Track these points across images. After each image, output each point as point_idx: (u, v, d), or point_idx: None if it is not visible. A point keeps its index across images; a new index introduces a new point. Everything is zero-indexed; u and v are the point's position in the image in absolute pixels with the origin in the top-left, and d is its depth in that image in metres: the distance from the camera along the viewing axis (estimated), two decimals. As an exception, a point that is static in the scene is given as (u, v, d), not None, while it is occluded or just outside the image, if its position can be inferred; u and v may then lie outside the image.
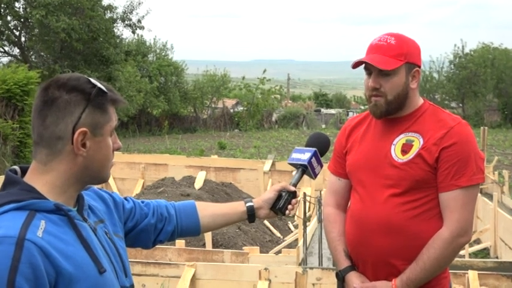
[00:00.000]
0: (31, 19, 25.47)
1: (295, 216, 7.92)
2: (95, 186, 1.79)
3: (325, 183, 10.25)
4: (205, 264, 5.10)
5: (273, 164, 11.83)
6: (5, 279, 1.37)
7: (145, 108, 32.50)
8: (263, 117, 37.62)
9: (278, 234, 9.00)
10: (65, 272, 1.44)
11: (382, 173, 2.36)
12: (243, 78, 38.45)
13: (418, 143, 2.33)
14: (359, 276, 2.44)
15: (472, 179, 2.29)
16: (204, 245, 7.01)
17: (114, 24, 28.08)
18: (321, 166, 2.25)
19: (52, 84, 1.54)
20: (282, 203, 2.10)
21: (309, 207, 9.20)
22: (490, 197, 9.31)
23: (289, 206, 2.11)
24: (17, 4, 26.61)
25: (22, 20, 26.88)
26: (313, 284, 4.75)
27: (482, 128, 12.52)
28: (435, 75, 38.53)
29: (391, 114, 2.38)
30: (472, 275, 4.54)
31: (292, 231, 9.30)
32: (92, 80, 1.56)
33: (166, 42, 37.52)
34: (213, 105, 37.94)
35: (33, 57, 27.78)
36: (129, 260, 1.79)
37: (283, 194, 2.11)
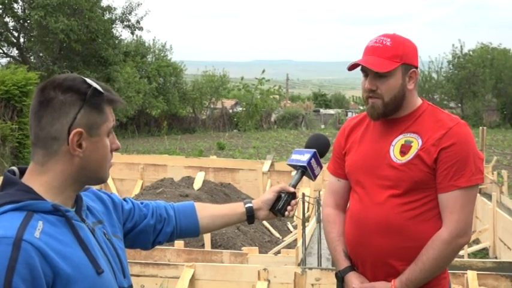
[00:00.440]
0: (30, 20, 25.46)
1: (294, 217, 7.92)
2: (94, 187, 1.78)
3: (324, 184, 10.26)
4: (204, 264, 5.10)
5: (272, 165, 11.84)
6: (2, 279, 1.37)
7: (144, 108, 32.51)
8: (262, 117, 37.63)
9: (277, 235, 8.99)
10: (63, 272, 1.44)
11: (380, 174, 2.36)
12: (242, 78, 38.47)
13: (416, 143, 2.33)
14: (358, 277, 2.44)
15: (471, 180, 2.29)
16: (203, 246, 7.01)
17: (113, 25, 28.09)
18: (321, 167, 2.25)
19: (48, 85, 1.54)
20: (281, 204, 2.10)
21: (308, 208, 9.20)
22: (489, 197, 9.32)
23: (289, 207, 2.11)
24: (15, 5, 26.62)
25: (21, 21, 26.88)
26: (312, 285, 4.75)
27: (481, 128, 12.54)
28: (434, 75, 38.56)
29: (388, 115, 2.38)
30: (471, 275, 4.54)
31: (291, 232, 9.30)
32: (88, 80, 1.56)
33: (165, 43, 37.60)
34: (212, 106, 37.96)
35: (32, 58, 27.79)
36: (128, 260, 1.79)
37: (283, 195, 2.11)
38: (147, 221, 1.93)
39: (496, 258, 7.83)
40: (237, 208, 2.09)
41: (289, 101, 49.79)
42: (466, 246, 6.76)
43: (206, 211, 2.06)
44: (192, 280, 4.83)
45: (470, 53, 38.65)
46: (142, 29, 29.17)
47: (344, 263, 2.48)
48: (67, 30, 24.42)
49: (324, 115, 44.31)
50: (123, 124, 29.64)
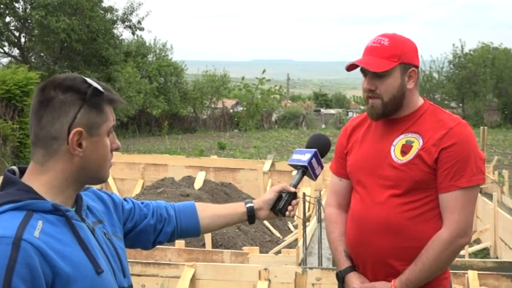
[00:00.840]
0: (31, 20, 25.47)
1: (295, 217, 7.91)
2: (94, 187, 1.78)
3: (324, 183, 10.26)
4: (205, 264, 5.10)
5: (272, 164, 11.83)
6: (2, 279, 1.36)
7: (145, 108, 32.51)
8: (263, 117, 37.62)
9: (278, 235, 8.99)
10: (62, 272, 1.44)
11: (381, 174, 2.36)
12: (243, 78, 38.46)
13: (417, 143, 2.33)
14: (359, 277, 2.44)
15: (472, 180, 2.28)
16: (203, 246, 7.01)
17: (114, 25, 28.09)
18: (322, 167, 2.25)
19: (48, 85, 1.54)
20: (282, 204, 2.10)
21: (309, 208, 9.20)
22: (489, 196, 9.31)
23: (289, 207, 2.11)
24: (16, 4, 26.62)
25: (22, 20, 26.88)
26: (313, 284, 4.74)
27: (482, 127, 12.52)
28: (435, 75, 38.53)
29: (388, 115, 2.38)
30: (472, 275, 4.54)
31: (291, 232, 9.30)
32: (88, 80, 1.56)
33: (166, 43, 37.58)
34: (212, 106, 37.95)
35: (33, 58, 27.81)
36: (129, 260, 1.79)
37: (283, 195, 2.11)
38: (148, 221, 1.93)
39: (496, 258, 7.82)
40: (237, 208, 2.09)
41: (289, 101, 49.76)
42: (466, 246, 6.76)
43: (207, 211, 2.06)
44: (193, 280, 4.82)
45: (471, 52, 38.61)
46: (143, 29, 29.20)
47: (345, 263, 2.48)
48: (68, 30, 24.41)
49: (324, 115, 44.30)
50: (124, 124, 29.64)
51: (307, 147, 2.27)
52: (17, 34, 27.65)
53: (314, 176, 2.23)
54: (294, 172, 2.25)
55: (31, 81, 14.55)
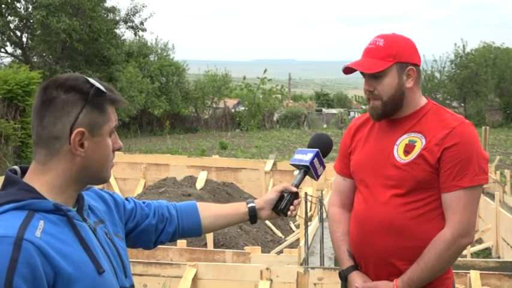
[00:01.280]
0: (32, 19, 25.48)
1: (297, 216, 7.91)
2: (96, 187, 1.78)
3: (326, 183, 10.25)
4: (206, 264, 5.09)
5: (274, 164, 11.82)
6: (3, 279, 1.36)
7: (146, 108, 32.52)
8: (264, 117, 37.62)
9: (279, 234, 8.99)
10: (64, 272, 1.44)
11: (384, 174, 2.36)
12: (244, 78, 38.46)
13: (420, 143, 2.32)
14: (361, 276, 2.43)
15: (474, 180, 2.28)
16: (205, 245, 7.01)
17: (116, 26, 28.10)
18: (324, 167, 2.24)
19: (51, 85, 1.54)
20: (283, 204, 2.09)
21: (311, 207, 9.20)
22: (491, 196, 9.29)
23: (291, 207, 2.10)
24: (18, 4, 26.64)
25: (24, 20, 26.90)
26: (315, 284, 4.74)
27: (483, 127, 12.53)
28: (437, 74, 38.50)
29: (389, 115, 2.38)
30: (474, 274, 4.53)
31: (293, 231, 9.29)
32: (91, 80, 1.55)
33: (167, 43, 37.56)
34: (214, 105, 37.97)
35: (34, 57, 27.83)
36: (131, 260, 1.79)
37: (285, 194, 2.10)
38: (149, 221, 1.92)
39: (498, 257, 7.80)
40: (239, 208, 2.09)
41: (291, 101, 49.75)
42: (468, 245, 6.75)
43: (208, 211, 2.05)
44: (195, 279, 4.82)
45: (473, 52, 38.58)
46: (145, 30, 29.21)
47: (348, 263, 2.48)
48: (69, 30, 24.43)
49: (326, 114, 44.30)
50: (126, 124, 29.65)
51: (309, 147, 2.27)
52: (18, 34, 27.68)
53: (316, 176, 2.23)
54: (296, 172, 2.25)
55: (33, 81, 14.56)
